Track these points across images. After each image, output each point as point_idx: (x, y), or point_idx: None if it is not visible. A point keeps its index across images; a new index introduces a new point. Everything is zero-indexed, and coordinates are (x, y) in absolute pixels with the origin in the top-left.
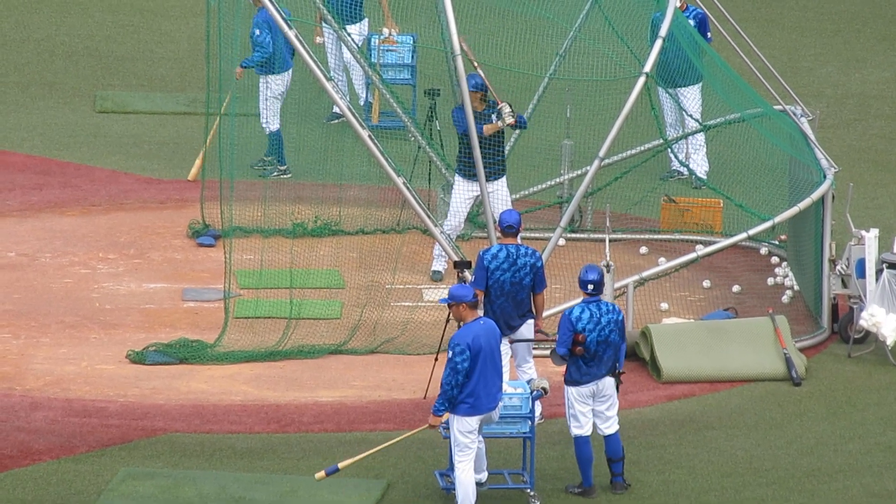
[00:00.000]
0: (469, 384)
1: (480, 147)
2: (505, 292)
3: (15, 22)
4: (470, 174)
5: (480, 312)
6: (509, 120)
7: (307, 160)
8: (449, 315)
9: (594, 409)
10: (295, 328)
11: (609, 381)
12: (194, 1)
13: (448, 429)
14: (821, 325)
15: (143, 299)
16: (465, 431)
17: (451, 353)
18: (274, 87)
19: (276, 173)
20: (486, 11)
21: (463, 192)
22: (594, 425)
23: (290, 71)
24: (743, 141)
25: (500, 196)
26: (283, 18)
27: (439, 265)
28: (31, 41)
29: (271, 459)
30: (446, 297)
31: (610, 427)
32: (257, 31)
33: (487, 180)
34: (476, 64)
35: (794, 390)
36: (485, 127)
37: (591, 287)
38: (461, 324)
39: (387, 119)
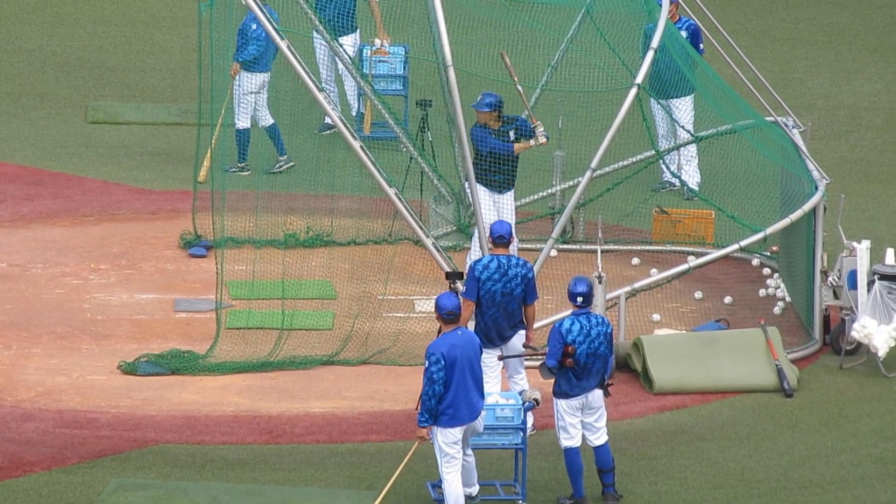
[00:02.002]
0: (447, 395)
1: (502, 161)
2: (496, 303)
3: (6, 33)
4: (491, 184)
5: (471, 326)
6: (542, 140)
7: (299, 171)
8: (441, 326)
9: (583, 421)
10: (287, 339)
11: (598, 393)
12: (186, 12)
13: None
14: (812, 336)
15: (135, 310)
16: (448, 442)
17: (426, 363)
18: (247, 84)
19: (234, 169)
20: (478, 23)
21: (483, 200)
22: (583, 437)
23: (268, 74)
24: (735, 152)
25: (507, 207)
26: (275, 29)
27: None
28: (23, 52)
29: (263, 470)
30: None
31: (599, 438)
32: (254, 26)
33: (501, 191)
34: (516, 79)
35: (785, 402)
36: (515, 146)
37: (580, 300)
38: (440, 330)
39: (379, 130)
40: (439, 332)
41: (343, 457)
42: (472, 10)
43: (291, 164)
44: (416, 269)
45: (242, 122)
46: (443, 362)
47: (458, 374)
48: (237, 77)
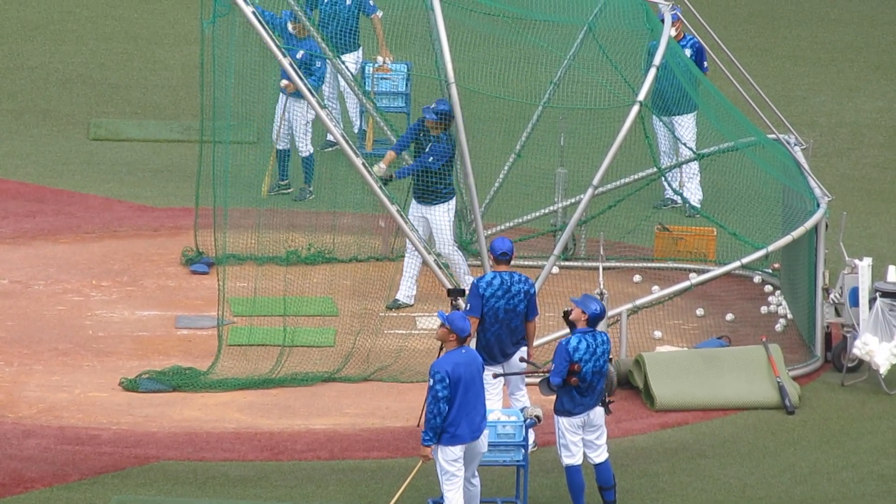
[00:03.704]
0: (450, 413)
1: (430, 173)
2: (499, 319)
3: (9, 50)
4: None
5: (473, 344)
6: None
7: (299, 179)
8: (442, 344)
9: (584, 439)
10: (288, 356)
11: (599, 411)
12: (188, 29)
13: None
14: (814, 353)
15: (137, 327)
16: (449, 460)
17: (431, 381)
18: (310, 110)
19: (309, 196)
20: (481, 40)
21: (412, 216)
22: (584, 454)
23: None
24: (737, 170)
25: (436, 220)
26: (276, 46)
27: (402, 294)
28: (25, 69)
29: (264, 487)
30: (445, 314)
31: (600, 456)
32: (318, 63)
33: (433, 203)
34: None
35: (787, 419)
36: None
37: (594, 321)
38: (442, 348)
39: (381, 147)
40: (441, 349)
41: (344, 474)
42: (474, 27)
43: (290, 190)
44: (418, 286)
45: (310, 148)
46: (447, 380)
47: (461, 392)
48: (290, 106)
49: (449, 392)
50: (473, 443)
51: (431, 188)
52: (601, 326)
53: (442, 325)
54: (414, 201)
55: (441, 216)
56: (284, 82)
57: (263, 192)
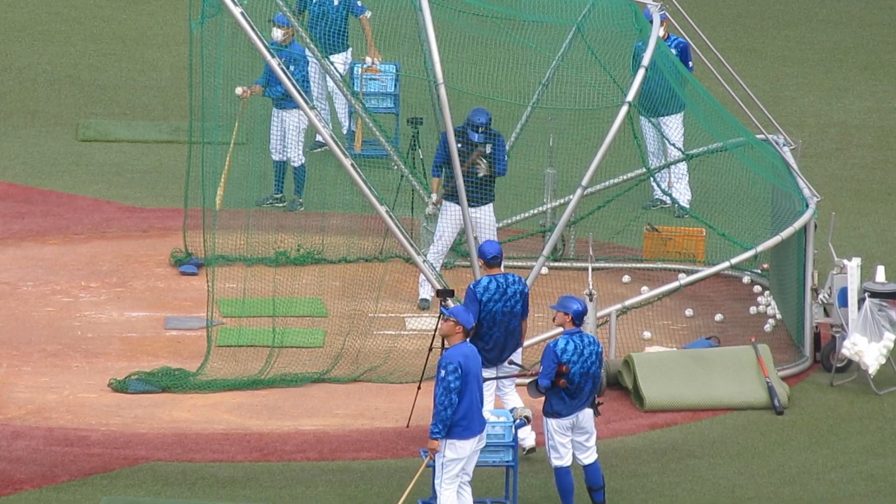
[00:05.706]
0: (462, 406)
1: (468, 174)
2: (497, 322)
3: None
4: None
5: None
6: (429, 209)
7: (290, 188)
8: (432, 344)
9: (573, 440)
10: (278, 357)
11: (588, 413)
12: (177, 29)
13: (429, 455)
14: (803, 353)
15: (126, 328)
16: (457, 457)
17: (442, 371)
18: (303, 120)
19: (299, 207)
20: (469, 41)
21: (451, 217)
22: (574, 455)
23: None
24: (725, 170)
25: (485, 222)
26: (265, 47)
27: (426, 293)
28: (13, 69)
29: (253, 488)
30: (449, 308)
31: (589, 457)
32: (292, 67)
33: (474, 205)
34: None
35: (776, 419)
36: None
37: (579, 318)
38: (445, 343)
39: (370, 148)
40: (443, 344)
41: (333, 474)
42: (463, 27)
43: (284, 203)
44: (406, 287)
45: (300, 159)
46: (460, 371)
47: (470, 385)
48: (280, 115)
49: (460, 384)
50: (480, 434)
51: (491, 189)
52: (590, 328)
53: (447, 319)
54: (474, 206)
55: (490, 215)
56: (240, 90)
57: (219, 204)
